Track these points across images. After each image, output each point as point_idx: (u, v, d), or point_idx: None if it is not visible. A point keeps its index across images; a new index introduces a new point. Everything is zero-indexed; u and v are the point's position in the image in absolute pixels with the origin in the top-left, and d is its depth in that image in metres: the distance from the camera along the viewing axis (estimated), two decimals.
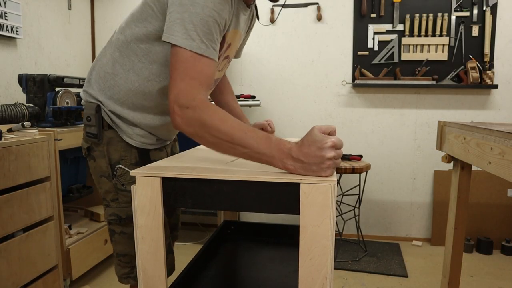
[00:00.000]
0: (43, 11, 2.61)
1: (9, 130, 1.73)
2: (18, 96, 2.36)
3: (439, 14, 2.67)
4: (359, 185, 2.67)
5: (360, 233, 2.74)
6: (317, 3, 2.86)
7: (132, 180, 0.79)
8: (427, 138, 2.83)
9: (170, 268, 1.13)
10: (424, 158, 2.85)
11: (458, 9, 2.67)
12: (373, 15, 2.76)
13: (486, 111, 2.75)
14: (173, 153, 1.27)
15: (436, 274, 2.36)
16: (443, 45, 2.69)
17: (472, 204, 2.73)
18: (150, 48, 0.96)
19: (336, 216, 2.48)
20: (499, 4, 2.63)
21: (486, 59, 2.65)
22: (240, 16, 0.99)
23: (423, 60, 2.72)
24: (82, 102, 1.10)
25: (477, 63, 2.65)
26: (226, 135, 0.78)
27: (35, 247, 1.70)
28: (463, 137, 1.36)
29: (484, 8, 2.63)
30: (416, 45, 2.72)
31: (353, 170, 2.39)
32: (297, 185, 0.72)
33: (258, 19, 1.17)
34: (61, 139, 1.94)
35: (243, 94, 2.89)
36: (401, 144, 2.87)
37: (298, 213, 0.72)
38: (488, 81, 2.63)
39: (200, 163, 0.90)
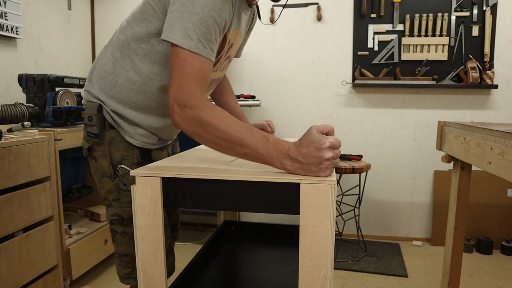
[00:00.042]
0: (43, 11, 2.61)
1: (9, 130, 1.73)
2: (18, 96, 2.36)
3: (439, 14, 2.67)
4: (359, 185, 2.67)
5: (360, 233, 2.74)
6: (317, 3, 2.86)
7: (134, 180, 0.79)
8: (427, 138, 2.83)
9: (170, 269, 1.13)
10: (424, 158, 2.85)
11: (458, 9, 2.67)
12: (373, 15, 2.76)
13: (486, 111, 2.75)
14: (173, 152, 1.27)
15: (436, 274, 2.36)
16: (443, 45, 2.69)
17: (472, 204, 2.73)
18: (151, 48, 0.96)
19: (336, 216, 2.48)
20: (499, 4, 2.63)
21: (486, 59, 2.65)
22: (242, 15, 0.99)
23: (423, 60, 2.72)
24: (83, 101, 1.09)
25: (477, 63, 2.65)
26: (223, 134, 0.78)
27: (35, 247, 1.70)
28: (463, 137, 1.36)
29: (484, 8, 2.63)
30: (416, 45, 2.72)
31: (353, 170, 2.39)
32: (297, 185, 0.72)
33: (259, 18, 1.17)
34: (61, 139, 1.94)
35: (243, 94, 2.89)
36: (401, 144, 2.87)
37: (298, 213, 0.72)
38: (488, 81, 2.63)
39: (200, 163, 0.90)
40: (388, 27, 2.76)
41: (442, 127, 1.59)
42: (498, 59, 2.68)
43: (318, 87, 2.93)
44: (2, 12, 2.21)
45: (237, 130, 0.78)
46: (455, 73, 2.70)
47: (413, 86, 2.72)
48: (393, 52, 2.76)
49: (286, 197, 0.73)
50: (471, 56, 2.67)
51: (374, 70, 2.80)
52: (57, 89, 2.13)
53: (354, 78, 2.84)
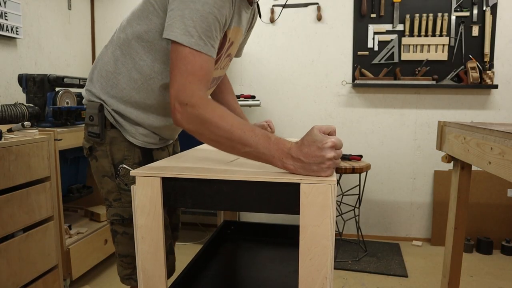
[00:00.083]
0: (43, 11, 2.61)
1: (9, 130, 1.73)
2: (18, 96, 2.36)
3: (439, 14, 2.67)
4: (359, 185, 2.67)
5: (360, 233, 2.74)
6: (317, 3, 2.86)
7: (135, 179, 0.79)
8: (427, 138, 2.83)
9: (170, 269, 1.13)
10: (424, 158, 2.85)
11: (458, 9, 2.67)
12: (373, 15, 2.76)
13: (486, 111, 2.75)
14: (174, 152, 1.27)
15: (436, 274, 2.36)
16: (443, 45, 2.69)
17: (472, 204, 2.73)
18: (151, 46, 0.96)
19: (336, 216, 2.48)
20: (499, 4, 2.63)
21: (486, 59, 2.65)
22: (242, 13, 0.99)
23: (423, 60, 2.72)
24: (84, 101, 1.09)
25: (477, 63, 2.65)
26: (225, 133, 0.78)
27: (35, 247, 1.70)
28: (463, 137, 1.36)
29: (484, 8, 2.63)
30: (416, 45, 2.72)
31: (353, 170, 2.39)
32: (297, 185, 0.72)
33: (260, 17, 1.17)
34: (61, 139, 1.94)
35: (243, 94, 2.89)
36: (401, 144, 2.87)
37: (298, 213, 0.72)
38: (488, 81, 2.63)
39: (200, 163, 0.90)
40: (388, 27, 2.76)
41: (442, 127, 1.59)
42: (498, 59, 2.68)
43: (318, 87, 2.93)
44: (2, 12, 2.21)
45: (240, 128, 0.77)
46: (455, 73, 2.70)
47: (413, 86, 2.72)
48: (393, 52, 2.76)
49: (286, 197, 0.73)
50: (471, 56, 2.67)
51: (374, 70, 2.80)
52: (57, 89, 2.13)
53: (354, 78, 2.84)
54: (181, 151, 1.28)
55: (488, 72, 2.63)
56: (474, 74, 2.61)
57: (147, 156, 1.09)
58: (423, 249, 2.77)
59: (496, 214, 2.72)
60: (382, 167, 2.91)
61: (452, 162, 1.57)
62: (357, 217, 2.66)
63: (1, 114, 1.84)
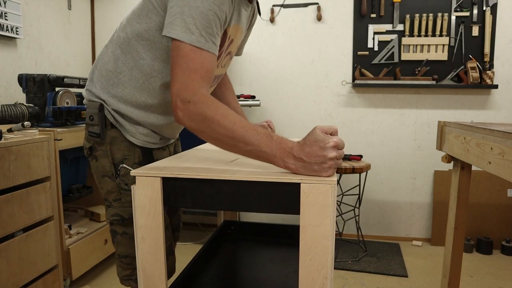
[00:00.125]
0: (43, 11, 2.61)
1: (9, 130, 1.73)
2: (18, 96, 2.36)
3: (439, 14, 2.67)
4: (359, 185, 2.67)
5: (360, 233, 2.74)
6: (317, 3, 2.86)
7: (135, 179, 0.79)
8: (427, 138, 2.83)
9: (170, 270, 1.13)
10: (424, 158, 2.85)
11: (458, 9, 2.67)
12: (373, 15, 2.76)
13: (486, 111, 2.75)
14: (175, 152, 1.26)
15: (436, 274, 2.36)
16: (443, 45, 2.69)
17: (472, 204, 2.73)
18: (151, 44, 0.96)
19: (336, 216, 2.48)
20: (499, 4, 2.63)
21: (486, 59, 2.65)
22: (242, 11, 0.99)
23: (423, 60, 2.72)
24: (84, 101, 1.09)
25: (477, 63, 2.65)
26: (227, 131, 0.77)
27: (35, 247, 1.70)
28: (463, 137, 1.36)
29: (484, 8, 2.63)
30: (416, 45, 2.73)
31: (353, 170, 2.39)
32: (297, 185, 0.72)
33: (260, 14, 1.17)
34: (61, 139, 1.94)
35: (243, 94, 2.89)
36: (401, 144, 2.87)
37: (298, 213, 0.72)
38: (488, 81, 2.63)
39: (200, 163, 0.90)
40: (388, 27, 2.76)
41: (442, 127, 1.59)
42: (498, 59, 2.68)
43: (318, 87, 2.93)
44: (2, 12, 2.21)
45: (242, 127, 0.77)
46: (455, 73, 2.70)
47: (413, 86, 2.72)
48: (393, 52, 2.76)
49: (286, 197, 0.73)
50: (471, 56, 2.67)
51: (374, 70, 2.80)
52: (57, 89, 2.13)
53: (354, 78, 2.84)
54: (182, 150, 1.28)
55: (488, 72, 2.63)
56: (474, 74, 2.62)
57: (147, 155, 1.08)
58: (423, 249, 2.77)
59: (496, 214, 2.72)
60: (382, 167, 2.91)
61: (452, 162, 1.57)
62: (357, 217, 2.66)
63: (1, 114, 1.84)
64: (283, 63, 2.96)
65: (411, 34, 2.73)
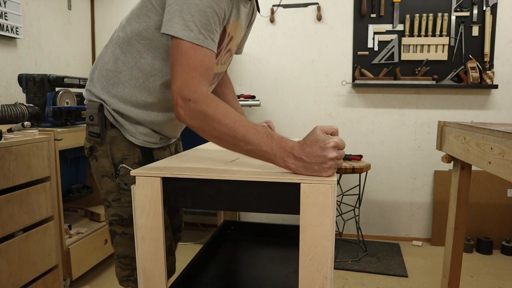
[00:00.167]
0: (43, 11, 2.61)
1: (9, 130, 1.73)
2: (18, 96, 2.36)
3: (439, 14, 2.67)
4: (359, 185, 2.67)
5: (360, 233, 2.74)
6: (317, 3, 2.86)
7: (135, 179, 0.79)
8: (427, 138, 2.83)
9: (170, 270, 1.13)
10: (424, 158, 2.85)
11: (458, 9, 2.67)
12: (373, 15, 2.76)
13: (486, 111, 2.75)
14: (177, 152, 1.26)
15: (436, 274, 2.36)
16: (443, 45, 2.69)
17: (472, 204, 2.73)
18: (151, 43, 0.96)
19: (336, 216, 2.48)
20: (499, 4, 2.63)
21: (486, 59, 2.65)
22: (241, 8, 0.99)
23: (423, 60, 2.72)
24: (85, 101, 1.09)
25: (477, 63, 2.65)
26: (228, 130, 0.77)
27: (35, 247, 1.70)
28: (463, 137, 1.36)
29: (484, 8, 2.63)
30: (416, 45, 2.72)
31: (353, 170, 2.39)
32: (297, 185, 0.72)
33: (259, 11, 1.17)
34: (61, 139, 1.94)
35: (243, 94, 2.89)
36: (401, 144, 2.87)
37: (298, 213, 0.72)
38: (488, 81, 2.63)
39: (200, 163, 0.90)
40: (388, 27, 2.76)
41: (442, 127, 1.59)
42: (498, 59, 2.68)
43: (318, 87, 2.93)
44: (2, 12, 2.21)
45: (242, 126, 0.77)
46: (455, 73, 2.70)
47: (413, 86, 2.72)
48: (393, 52, 2.76)
49: (286, 197, 0.73)
50: (471, 56, 2.67)
51: (374, 70, 2.80)
52: (57, 89, 2.13)
53: (354, 78, 2.84)
54: (184, 150, 1.27)
55: (488, 72, 2.63)
56: (474, 74, 2.62)
57: (147, 155, 1.08)
58: (423, 249, 2.77)
59: (496, 214, 2.72)
60: (382, 167, 2.91)
61: (452, 162, 1.57)
62: (357, 217, 2.66)
63: (1, 114, 1.84)
64: (283, 63, 2.96)
65: (411, 34, 2.73)
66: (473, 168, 1.54)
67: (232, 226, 1.44)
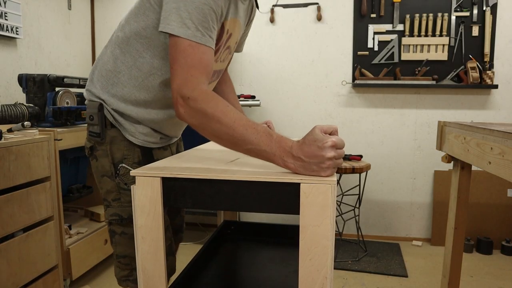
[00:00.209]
0: (43, 11, 2.61)
1: (9, 130, 1.73)
2: (18, 96, 2.36)
3: (439, 14, 2.67)
4: (359, 185, 2.67)
5: (360, 233, 2.74)
6: (317, 3, 2.86)
7: (135, 180, 0.79)
8: (427, 138, 2.83)
9: (170, 270, 1.13)
10: (424, 158, 2.85)
11: (458, 9, 2.67)
12: (373, 15, 2.76)
13: (486, 111, 2.75)
14: (178, 152, 1.26)
15: (436, 274, 2.36)
16: (443, 45, 2.69)
17: (472, 204, 2.73)
18: (150, 42, 0.96)
19: (336, 216, 2.48)
20: (499, 4, 2.63)
21: (486, 59, 2.65)
22: (239, 4, 0.99)
23: (423, 60, 2.72)
24: (86, 102, 1.09)
25: (477, 63, 2.65)
26: (227, 129, 0.77)
27: (35, 247, 1.70)
28: (463, 137, 1.36)
29: (484, 8, 2.63)
30: (416, 45, 2.72)
31: (353, 170, 2.39)
32: (297, 185, 0.72)
33: (257, 8, 1.17)
34: (61, 139, 1.94)
35: (243, 94, 2.89)
36: (401, 144, 2.87)
37: (298, 213, 0.72)
38: (488, 81, 2.63)
39: (200, 163, 0.90)
40: (388, 27, 2.76)
41: (442, 127, 1.59)
42: (498, 59, 2.68)
43: (318, 87, 2.93)
44: (2, 12, 2.21)
45: (242, 125, 0.77)
46: (455, 73, 2.70)
47: (413, 86, 2.72)
48: (393, 52, 2.76)
49: (286, 197, 0.73)
50: (471, 56, 2.67)
51: (374, 70, 2.80)
52: (57, 89, 2.13)
53: (354, 78, 2.84)
54: (184, 150, 1.27)
55: (488, 72, 2.63)
56: (474, 74, 2.62)
57: (147, 155, 1.08)
58: (423, 249, 2.77)
59: (496, 214, 2.72)
60: (382, 167, 2.91)
61: (452, 162, 1.57)
62: (357, 217, 2.66)
63: (1, 114, 1.84)
64: (283, 63, 2.96)
65: (411, 34, 2.73)
66: (473, 168, 1.54)
67: (232, 226, 1.44)
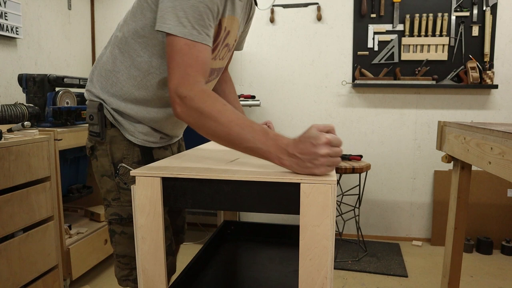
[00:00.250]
0: (43, 11, 2.61)
1: (9, 130, 1.73)
2: (18, 96, 2.36)
3: (439, 14, 2.67)
4: (359, 185, 2.67)
5: (360, 233, 2.74)
6: (317, 3, 2.86)
7: (135, 179, 0.79)
8: (427, 138, 2.83)
9: (170, 269, 1.13)
10: (424, 158, 2.85)
11: (458, 9, 2.67)
12: (373, 15, 2.76)
13: (486, 111, 2.75)
14: (179, 152, 1.26)
15: (436, 274, 2.36)
16: (443, 45, 2.69)
17: (472, 204, 2.73)
18: (148, 41, 0.96)
19: (336, 216, 2.48)
20: (499, 4, 2.63)
21: (486, 59, 2.65)
22: (236, 2, 0.99)
23: (423, 60, 2.72)
24: (87, 102, 1.10)
25: (477, 63, 2.65)
26: (224, 128, 0.78)
27: (35, 247, 1.70)
28: (463, 137, 1.36)
29: (484, 8, 2.63)
30: (416, 45, 2.73)
31: (353, 170, 2.39)
32: (297, 185, 0.72)
33: (256, 4, 1.17)
34: (61, 139, 1.94)
35: (243, 94, 2.89)
36: (401, 144, 2.87)
37: (298, 213, 0.72)
38: (488, 81, 2.63)
39: (200, 163, 0.90)
40: (388, 27, 2.76)
41: (442, 127, 1.59)
42: (498, 59, 2.68)
43: (318, 87, 2.93)
44: (2, 12, 2.21)
45: (238, 124, 0.77)
46: (455, 73, 2.70)
47: (413, 86, 2.72)
48: (393, 52, 2.76)
49: (286, 197, 0.73)
50: (471, 56, 2.67)
51: (374, 70, 2.80)
52: (57, 89, 2.13)
53: (354, 78, 2.84)
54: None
55: (488, 72, 2.63)
56: (474, 74, 2.62)
57: (146, 155, 1.08)
58: (423, 249, 2.77)
59: (496, 214, 2.72)
60: (382, 167, 2.91)
61: (452, 162, 1.57)
62: (357, 217, 2.66)
63: (1, 114, 1.84)
64: (283, 63, 2.96)
65: (411, 34, 2.73)
66: (473, 168, 1.54)
67: (232, 226, 1.44)
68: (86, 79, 1.87)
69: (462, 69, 2.69)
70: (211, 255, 1.25)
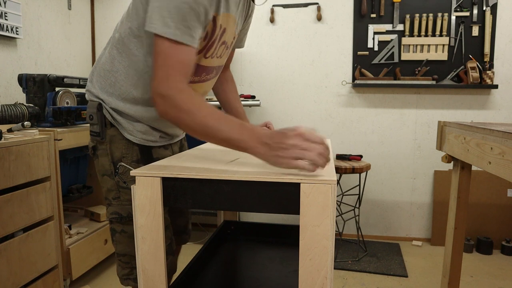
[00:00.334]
0: (43, 11, 2.61)
1: (9, 130, 1.73)
2: (18, 96, 2.36)
3: (439, 14, 2.67)
4: (359, 185, 2.67)
5: (360, 233, 2.74)
6: (317, 3, 2.86)
7: (134, 178, 0.79)
8: (427, 138, 2.83)
9: (171, 269, 1.13)
10: (424, 158, 2.85)
11: (458, 9, 2.67)
12: (373, 15, 2.76)
13: (486, 111, 2.75)
14: (181, 152, 1.26)
15: (436, 274, 2.36)
16: (443, 45, 2.69)
17: (472, 204, 2.73)
18: (143, 40, 0.97)
19: (336, 216, 2.48)
20: (499, 4, 2.63)
21: (486, 59, 2.65)
22: None
23: (423, 60, 2.72)
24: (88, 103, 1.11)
25: (477, 63, 2.65)
26: (200, 120, 0.80)
27: (35, 247, 1.70)
28: (463, 137, 1.36)
29: (484, 8, 2.63)
30: (416, 45, 2.72)
31: (353, 170, 2.39)
32: (297, 185, 0.72)
33: (253, 1, 1.16)
34: (61, 139, 1.94)
35: (243, 94, 2.89)
36: (401, 144, 2.87)
37: (298, 213, 0.72)
38: (488, 81, 2.63)
39: (200, 163, 0.90)
40: (388, 27, 2.76)
41: (442, 127, 1.59)
42: (498, 59, 2.68)
43: (318, 87, 2.93)
44: (2, 12, 2.21)
45: (215, 118, 0.80)
46: (455, 73, 2.70)
47: (413, 86, 2.72)
48: (393, 52, 2.76)
49: (286, 197, 0.73)
50: (471, 56, 2.67)
51: (374, 70, 2.80)
52: (57, 89, 2.13)
53: (354, 78, 2.84)
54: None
55: (488, 72, 2.63)
56: (474, 74, 2.62)
57: (145, 154, 1.09)
58: (423, 249, 2.77)
59: (496, 214, 2.72)
60: (382, 167, 2.91)
61: (452, 162, 1.57)
62: (357, 217, 2.66)
63: (1, 114, 1.84)
64: (283, 63, 2.96)
65: (411, 34, 2.73)
66: (473, 168, 1.54)
67: (232, 226, 1.44)
68: (86, 79, 1.87)
69: (462, 69, 2.69)
70: (211, 255, 1.25)
